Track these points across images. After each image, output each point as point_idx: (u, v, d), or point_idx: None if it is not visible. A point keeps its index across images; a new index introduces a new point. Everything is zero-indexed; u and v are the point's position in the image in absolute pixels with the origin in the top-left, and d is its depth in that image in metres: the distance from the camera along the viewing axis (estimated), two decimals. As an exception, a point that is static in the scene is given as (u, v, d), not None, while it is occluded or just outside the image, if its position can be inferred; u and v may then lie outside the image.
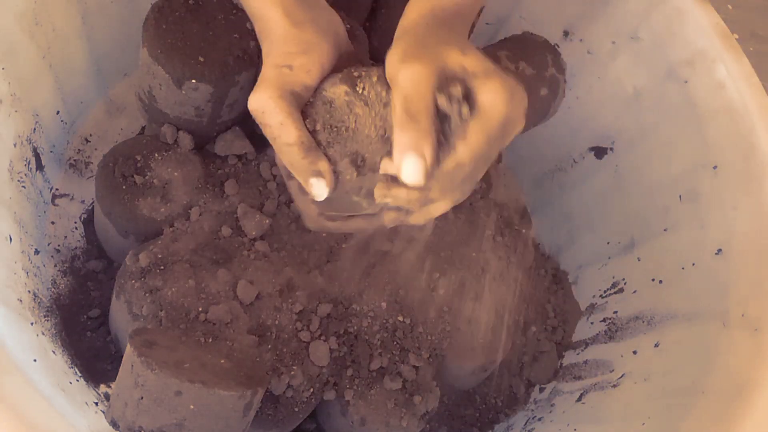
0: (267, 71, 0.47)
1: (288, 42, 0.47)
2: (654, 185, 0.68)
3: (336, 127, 0.46)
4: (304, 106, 0.47)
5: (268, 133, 0.46)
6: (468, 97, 0.44)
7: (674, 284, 0.64)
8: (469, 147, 0.43)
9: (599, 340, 0.69)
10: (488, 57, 0.46)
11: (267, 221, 0.59)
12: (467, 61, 0.44)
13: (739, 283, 0.58)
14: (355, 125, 0.46)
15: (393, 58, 0.46)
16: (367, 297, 0.59)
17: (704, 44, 0.63)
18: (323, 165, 0.46)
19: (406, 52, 0.45)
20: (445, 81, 0.44)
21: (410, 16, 0.50)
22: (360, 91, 0.47)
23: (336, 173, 0.46)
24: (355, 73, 0.47)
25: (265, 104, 0.45)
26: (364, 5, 0.69)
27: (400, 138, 0.42)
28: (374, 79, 0.47)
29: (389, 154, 0.45)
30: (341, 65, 0.49)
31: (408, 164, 0.42)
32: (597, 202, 0.74)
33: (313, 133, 0.46)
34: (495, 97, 0.43)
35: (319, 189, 0.46)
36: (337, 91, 0.47)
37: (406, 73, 0.43)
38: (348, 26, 0.62)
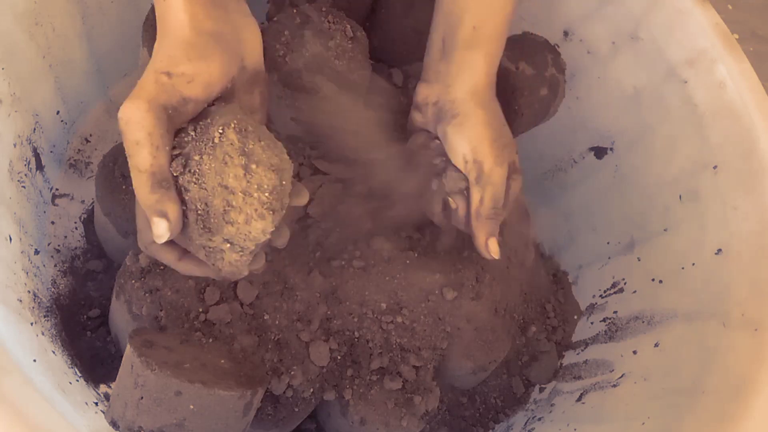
0: (144, 76, 0.42)
1: (176, 46, 0.43)
2: (654, 185, 0.68)
3: (201, 174, 0.42)
4: (181, 128, 0.43)
5: (125, 147, 0.42)
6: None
7: (674, 284, 0.64)
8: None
9: (599, 340, 0.69)
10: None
11: None
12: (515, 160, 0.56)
13: (739, 283, 0.58)
14: (225, 179, 0.41)
15: (487, 140, 0.53)
16: (368, 297, 0.59)
17: (704, 44, 0.63)
18: (172, 207, 0.42)
19: (498, 144, 0.53)
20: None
21: (477, 81, 0.54)
22: (247, 147, 0.42)
23: (186, 217, 0.42)
24: (250, 127, 0.42)
25: (131, 115, 0.41)
26: (364, 5, 0.69)
27: (486, 226, 0.55)
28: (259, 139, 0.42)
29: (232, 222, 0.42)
30: (243, 82, 0.46)
31: (493, 245, 0.55)
32: (597, 202, 0.74)
33: (177, 163, 0.42)
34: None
35: (160, 231, 0.42)
36: (227, 133, 0.42)
37: (502, 174, 0.54)
38: (348, 26, 0.62)
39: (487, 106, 0.54)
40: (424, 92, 0.56)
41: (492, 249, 0.55)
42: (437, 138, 0.56)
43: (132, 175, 0.42)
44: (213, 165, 0.42)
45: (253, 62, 0.47)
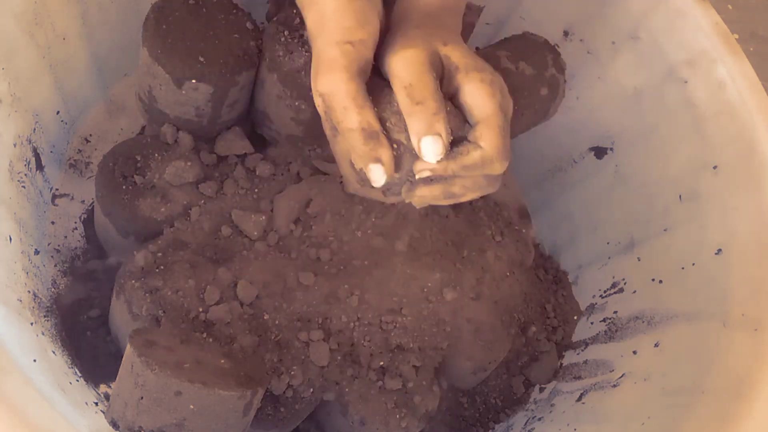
0: (328, 50, 0.47)
1: (344, 16, 0.47)
2: (654, 185, 0.68)
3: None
4: (374, 86, 0.48)
5: (332, 117, 0.47)
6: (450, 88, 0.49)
7: (674, 284, 0.64)
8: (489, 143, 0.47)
9: (599, 340, 0.69)
10: (478, 53, 0.49)
11: (263, 218, 0.59)
12: (449, 51, 0.48)
13: (739, 283, 0.58)
14: None
15: (385, 53, 0.49)
16: (368, 297, 0.59)
17: (704, 44, 0.63)
18: (385, 153, 0.46)
19: (395, 45, 0.48)
20: (438, 65, 0.48)
21: (397, 12, 0.52)
22: None
23: (399, 157, 0.47)
24: None
25: (335, 87, 0.46)
26: (364, 5, 0.69)
27: (412, 125, 0.46)
28: None
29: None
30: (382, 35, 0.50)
31: (426, 145, 0.46)
32: (597, 202, 0.74)
33: (382, 115, 0.47)
34: (480, 98, 0.47)
35: (377, 175, 0.46)
36: None
37: (399, 61, 0.47)
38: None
39: (408, 25, 0.51)
40: None
41: (425, 149, 0.46)
42: None
43: (346, 137, 0.47)
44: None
45: (383, 18, 0.51)
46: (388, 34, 0.51)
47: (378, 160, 0.46)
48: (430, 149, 0.45)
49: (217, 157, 0.62)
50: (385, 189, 0.51)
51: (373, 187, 0.49)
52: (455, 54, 0.48)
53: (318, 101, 0.48)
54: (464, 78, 0.48)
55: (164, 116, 0.60)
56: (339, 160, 0.52)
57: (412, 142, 0.46)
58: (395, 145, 0.47)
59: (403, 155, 0.48)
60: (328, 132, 0.50)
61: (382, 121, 0.47)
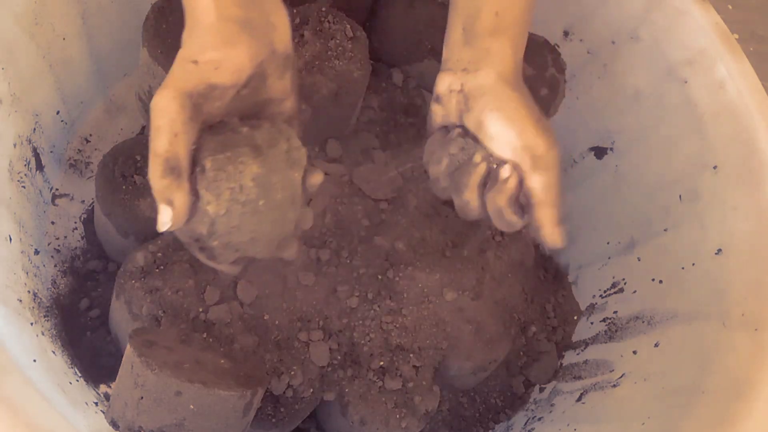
0: (174, 65, 0.43)
1: (203, 33, 0.43)
2: (654, 185, 0.68)
3: (226, 173, 0.42)
4: (214, 125, 0.44)
5: (150, 133, 0.42)
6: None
7: (674, 284, 0.64)
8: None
9: (599, 340, 0.69)
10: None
11: None
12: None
13: (739, 283, 0.58)
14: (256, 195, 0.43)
15: (530, 122, 0.49)
16: (368, 297, 0.59)
17: (704, 44, 0.63)
18: (179, 197, 0.42)
19: (542, 125, 0.50)
20: None
21: (505, 66, 0.50)
22: (270, 156, 0.43)
23: (199, 208, 0.42)
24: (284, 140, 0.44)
25: (157, 102, 0.41)
26: (364, 5, 0.69)
27: (555, 213, 0.51)
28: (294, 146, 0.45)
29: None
30: (274, 67, 0.46)
31: (561, 232, 0.52)
32: (597, 202, 0.74)
33: (199, 158, 0.42)
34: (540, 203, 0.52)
35: (164, 218, 0.42)
36: (256, 139, 0.43)
37: (556, 156, 0.50)
38: (348, 26, 0.62)
39: (520, 90, 0.51)
40: (446, 80, 0.52)
41: (559, 238, 0.52)
42: (460, 130, 0.52)
43: (150, 160, 0.42)
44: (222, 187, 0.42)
45: (283, 46, 0.46)
46: (512, 91, 0.50)
47: (169, 203, 0.41)
48: (561, 235, 0.53)
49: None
50: (189, 238, 0.45)
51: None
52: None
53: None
54: (531, 175, 0.50)
55: (164, 116, 0.60)
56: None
57: (546, 230, 0.52)
58: (196, 197, 0.42)
59: (201, 212, 0.42)
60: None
61: (199, 165, 0.42)
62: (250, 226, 0.43)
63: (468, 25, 0.51)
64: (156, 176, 0.41)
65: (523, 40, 0.52)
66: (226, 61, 0.43)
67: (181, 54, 0.43)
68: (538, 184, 0.50)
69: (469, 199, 0.52)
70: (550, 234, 0.52)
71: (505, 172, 0.50)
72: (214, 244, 0.44)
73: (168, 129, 0.41)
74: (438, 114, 0.53)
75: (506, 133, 0.49)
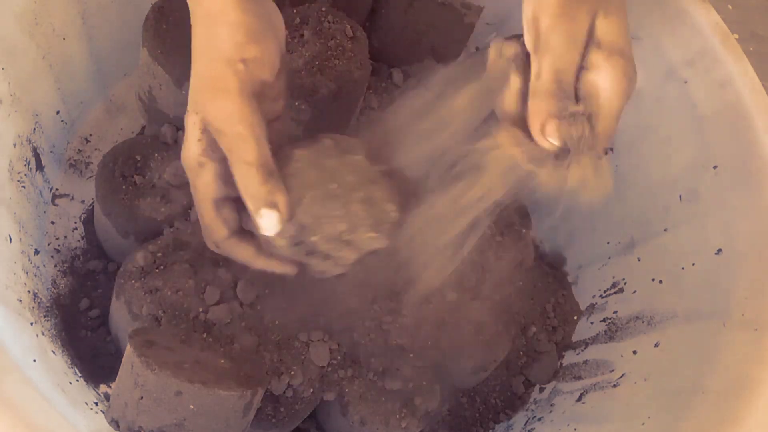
0: (219, 69, 0.41)
1: (235, 32, 0.41)
2: (654, 185, 0.68)
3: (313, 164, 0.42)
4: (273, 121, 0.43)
5: (223, 144, 0.40)
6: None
7: (674, 284, 0.64)
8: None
9: (599, 340, 0.69)
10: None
11: None
12: (604, 25, 0.40)
13: (739, 283, 0.58)
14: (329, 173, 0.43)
15: (549, 2, 0.39)
16: (368, 297, 0.59)
17: (704, 44, 0.63)
18: (282, 197, 0.41)
19: (562, 4, 0.39)
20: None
21: None
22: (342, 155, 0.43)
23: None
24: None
25: (229, 111, 0.40)
26: (364, 5, 0.69)
27: (548, 103, 0.39)
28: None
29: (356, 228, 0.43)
30: (282, 68, 0.44)
31: (552, 127, 0.40)
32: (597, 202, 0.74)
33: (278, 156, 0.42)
34: (614, 91, 0.41)
35: (270, 222, 0.41)
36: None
37: (562, 35, 0.39)
38: (348, 26, 0.62)
39: None
40: None
41: (549, 131, 0.40)
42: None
43: (237, 170, 0.41)
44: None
45: (282, 47, 0.46)
46: None
47: (274, 206, 0.41)
48: (551, 131, 0.40)
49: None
50: (265, 242, 0.44)
51: (244, 241, 0.44)
52: (611, 32, 0.41)
53: (197, 128, 0.41)
54: (605, 60, 0.41)
55: (164, 116, 0.60)
56: (201, 200, 0.44)
57: (532, 123, 0.39)
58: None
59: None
60: (191, 162, 0.43)
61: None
62: (335, 212, 0.43)
63: None
64: (256, 185, 0.40)
65: None
66: (266, 57, 0.42)
67: (221, 55, 0.41)
68: (533, 66, 0.41)
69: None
70: (536, 129, 0.41)
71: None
72: (315, 240, 0.43)
73: (251, 134, 0.40)
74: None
75: (527, 4, 0.42)
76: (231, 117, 0.40)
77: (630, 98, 0.43)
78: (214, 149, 0.42)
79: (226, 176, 0.42)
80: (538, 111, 0.40)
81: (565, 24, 0.39)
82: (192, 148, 0.43)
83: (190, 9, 0.43)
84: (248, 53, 0.41)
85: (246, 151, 0.40)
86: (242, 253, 0.45)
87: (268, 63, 0.42)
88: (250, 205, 0.41)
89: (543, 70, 0.40)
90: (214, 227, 0.44)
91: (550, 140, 0.40)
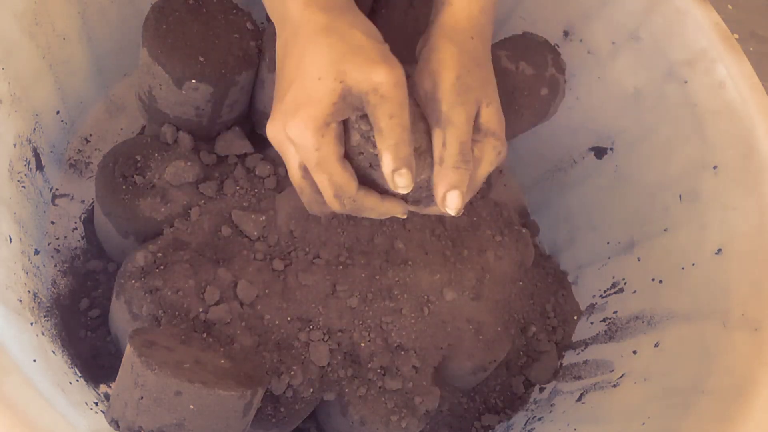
0: (371, 42, 0.46)
1: (368, 30, 0.47)
2: (654, 185, 0.68)
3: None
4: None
5: (382, 109, 0.45)
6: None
7: (674, 284, 0.64)
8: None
9: (599, 340, 0.69)
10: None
11: (262, 218, 0.59)
12: (486, 114, 0.49)
13: (739, 283, 0.58)
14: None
15: (448, 77, 0.47)
16: (368, 297, 0.59)
17: (704, 44, 0.63)
18: (413, 161, 0.46)
19: (462, 83, 0.47)
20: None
21: (455, 17, 0.50)
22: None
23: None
24: None
25: (392, 81, 0.44)
26: (364, 5, 0.69)
27: (448, 176, 0.47)
28: None
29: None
30: None
31: (452, 199, 0.47)
32: (597, 202, 0.74)
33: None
34: (486, 161, 0.49)
35: (407, 181, 0.46)
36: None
37: (462, 114, 0.47)
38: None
39: (461, 44, 0.49)
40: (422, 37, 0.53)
41: (450, 203, 0.47)
42: None
43: (393, 133, 0.45)
44: None
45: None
46: (446, 43, 0.48)
47: (410, 166, 0.46)
48: (454, 203, 0.47)
49: (217, 157, 0.62)
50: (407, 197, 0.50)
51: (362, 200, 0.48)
52: (490, 119, 0.49)
53: (336, 93, 0.45)
54: (484, 138, 0.49)
55: (164, 116, 0.60)
56: (327, 161, 0.47)
57: (438, 191, 0.47)
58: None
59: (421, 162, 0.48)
60: (319, 123, 0.46)
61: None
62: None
63: None
64: (405, 146, 0.45)
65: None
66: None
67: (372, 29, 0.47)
68: (437, 139, 0.48)
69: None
70: (440, 197, 0.48)
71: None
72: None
73: (407, 100, 0.45)
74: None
75: (422, 83, 0.49)
76: (395, 85, 0.44)
77: (496, 166, 0.51)
78: (344, 113, 0.46)
79: (344, 137, 0.47)
80: (443, 178, 0.47)
81: (464, 106, 0.47)
82: (324, 109, 0.45)
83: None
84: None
85: (403, 117, 0.45)
86: (371, 199, 0.48)
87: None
88: (393, 164, 0.45)
89: (449, 141, 0.47)
90: (346, 182, 0.47)
91: (448, 209, 0.48)
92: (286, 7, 0.47)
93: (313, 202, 0.51)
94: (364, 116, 0.46)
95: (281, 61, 0.49)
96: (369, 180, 0.49)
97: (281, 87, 0.48)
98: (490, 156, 0.49)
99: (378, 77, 0.44)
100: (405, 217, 0.51)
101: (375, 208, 0.49)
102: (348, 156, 0.48)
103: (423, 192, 0.50)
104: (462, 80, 0.47)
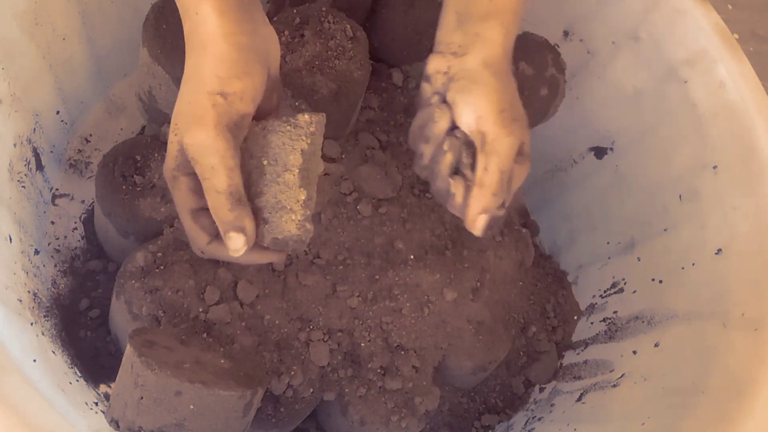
0: (198, 99, 0.44)
1: (220, 64, 0.44)
2: (654, 185, 0.68)
3: (269, 174, 0.46)
4: (244, 140, 0.47)
5: (197, 170, 0.44)
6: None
7: (674, 284, 0.64)
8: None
9: (599, 340, 0.69)
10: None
11: None
12: (527, 147, 0.52)
13: (739, 283, 0.58)
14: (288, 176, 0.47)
15: (493, 110, 0.49)
16: (368, 297, 0.59)
17: (704, 44, 0.63)
18: (249, 222, 0.45)
19: (507, 116, 0.49)
20: None
21: (492, 51, 0.51)
22: (299, 139, 0.47)
23: (260, 220, 0.46)
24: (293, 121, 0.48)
25: (202, 142, 0.44)
26: (364, 5, 0.69)
27: (488, 200, 0.49)
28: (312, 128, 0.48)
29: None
30: (266, 89, 0.48)
31: (483, 220, 0.50)
32: (597, 202, 0.74)
33: (247, 172, 0.46)
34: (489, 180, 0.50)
35: (237, 244, 0.45)
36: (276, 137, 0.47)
37: (507, 147, 0.49)
38: (348, 26, 0.62)
39: (500, 77, 0.51)
40: (436, 62, 0.52)
41: (480, 224, 0.50)
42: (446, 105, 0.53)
43: (209, 196, 0.45)
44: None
45: (275, 71, 0.49)
46: (491, 76, 0.50)
47: (242, 230, 0.45)
48: (483, 224, 0.50)
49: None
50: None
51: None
52: (526, 149, 0.52)
53: (174, 146, 0.45)
54: (518, 165, 0.51)
55: (164, 116, 0.60)
56: (180, 210, 0.47)
57: (471, 210, 0.50)
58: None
59: (265, 222, 0.47)
60: (168, 174, 0.46)
61: (247, 176, 0.47)
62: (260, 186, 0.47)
63: (462, 8, 0.53)
64: (224, 210, 0.44)
65: (516, 25, 0.53)
66: (247, 91, 0.45)
67: (203, 88, 0.44)
68: (481, 162, 0.50)
69: (440, 186, 0.52)
70: (472, 217, 0.50)
71: (446, 145, 0.51)
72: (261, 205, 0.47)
73: (223, 166, 0.44)
74: (427, 91, 0.54)
75: (467, 113, 0.50)
76: (205, 148, 0.43)
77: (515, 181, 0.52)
78: (188, 167, 0.45)
79: (200, 189, 0.46)
80: (478, 201, 0.49)
81: (509, 138, 0.49)
82: (169, 162, 0.46)
83: (185, 36, 0.46)
84: (229, 87, 0.44)
85: (217, 181, 0.44)
86: (226, 253, 0.47)
87: (249, 96, 0.45)
88: (219, 227, 0.45)
89: (490, 167, 0.49)
90: (195, 234, 0.48)
91: (475, 230, 0.50)
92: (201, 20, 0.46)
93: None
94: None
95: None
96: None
97: None
98: (521, 178, 0.52)
99: (189, 139, 0.44)
100: (281, 261, 0.51)
101: (235, 259, 0.48)
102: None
103: (281, 246, 0.48)
104: (507, 113, 0.50)
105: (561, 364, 0.70)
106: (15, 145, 0.58)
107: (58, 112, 0.65)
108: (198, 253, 0.49)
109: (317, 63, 0.60)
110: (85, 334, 0.60)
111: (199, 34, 0.45)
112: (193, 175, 0.46)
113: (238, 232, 0.45)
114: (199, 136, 0.43)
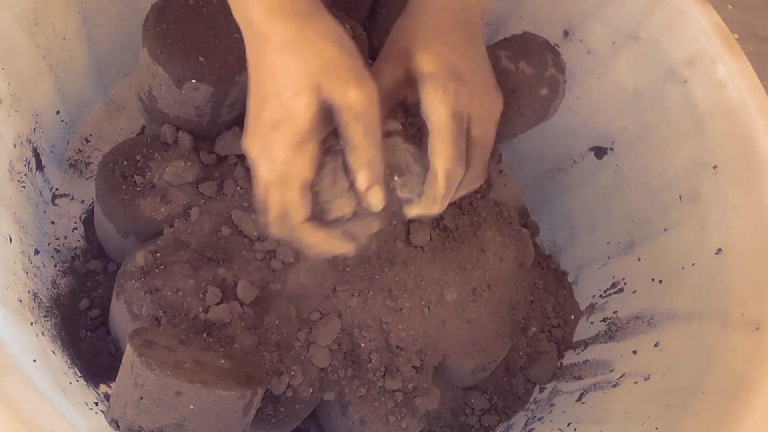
0: (351, 61, 0.44)
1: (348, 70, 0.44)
2: (654, 185, 0.68)
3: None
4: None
5: (352, 128, 0.44)
6: None
7: (674, 284, 0.64)
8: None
9: (599, 340, 0.69)
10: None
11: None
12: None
13: (739, 283, 0.58)
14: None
15: (430, 70, 0.46)
16: (368, 297, 0.59)
17: (704, 44, 0.63)
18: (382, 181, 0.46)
19: (444, 75, 0.46)
20: None
21: (431, 13, 0.49)
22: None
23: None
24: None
25: (369, 93, 0.44)
26: (364, 5, 0.69)
27: (447, 154, 0.46)
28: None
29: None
30: None
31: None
32: (597, 202, 0.74)
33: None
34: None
35: (379, 198, 0.45)
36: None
37: (446, 107, 0.46)
38: (348, 26, 0.62)
39: (450, 38, 0.49)
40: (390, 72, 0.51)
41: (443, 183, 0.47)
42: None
43: (363, 151, 0.44)
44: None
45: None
46: (426, 38, 0.48)
47: (382, 184, 0.46)
48: (449, 179, 0.46)
49: (217, 157, 0.62)
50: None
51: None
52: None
53: (310, 105, 0.43)
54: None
55: (164, 116, 0.60)
56: (291, 180, 0.45)
57: (439, 172, 0.46)
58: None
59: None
60: (295, 140, 0.44)
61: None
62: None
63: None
64: (378, 163, 0.45)
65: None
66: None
67: (352, 49, 0.45)
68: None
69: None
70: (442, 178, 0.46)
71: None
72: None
73: (380, 119, 0.45)
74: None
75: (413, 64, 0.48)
76: (369, 103, 0.44)
77: (475, 109, 0.49)
78: (322, 130, 0.45)
79: (318, 161, 0.45)
80: (437, 158, 0.46)
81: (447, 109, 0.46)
82: (303, 126, 0.44)
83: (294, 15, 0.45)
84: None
85: (376, 135, 0.44)
86: (315, 236, 0.47)
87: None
88: (367, 181, 0.45)
89: (438, 173, 0.46)
90: (297, 208, 0.46)
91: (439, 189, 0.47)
92: (248, 14, 0.45)
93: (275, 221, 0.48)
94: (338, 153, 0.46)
95: (254, 72, 0.46)
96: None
97: (256, 101, 0.46)
98: (487, 116, 0.49)
99: (351, 95, 0.43)
100: (352, 254, 0.50)
101: (316, 245, 0.48)
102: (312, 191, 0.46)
103: (394, 206, 0.49)
104: (447, 74, 0.47)
105: (561, 364, 0.70)
106: (15, 145, 0.58)
107: (58, 112, 0.65)
108: (278, 233, 0.47)
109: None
110: (85, 334, 0.60)
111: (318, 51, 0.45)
112: (322, 143, 0.45)
113: (381, 186, 0.45)
114: (359, 94, 0.43)
